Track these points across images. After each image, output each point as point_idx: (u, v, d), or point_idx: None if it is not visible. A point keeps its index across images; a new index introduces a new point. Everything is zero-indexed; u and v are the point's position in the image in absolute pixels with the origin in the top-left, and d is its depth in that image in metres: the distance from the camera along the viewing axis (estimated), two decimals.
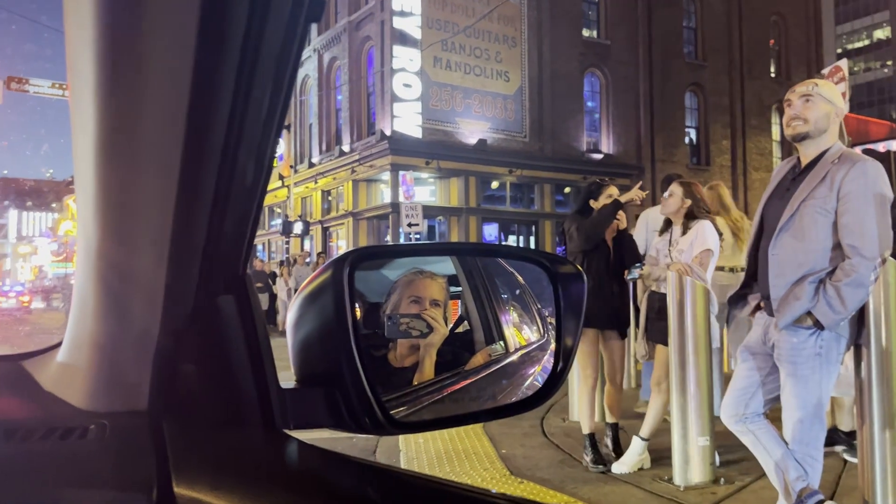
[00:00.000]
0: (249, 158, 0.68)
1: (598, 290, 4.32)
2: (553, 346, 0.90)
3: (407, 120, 23.31)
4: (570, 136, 26.72)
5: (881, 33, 73.27)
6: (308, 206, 27.89)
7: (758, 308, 3.25)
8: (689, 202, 4.30)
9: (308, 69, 27.73)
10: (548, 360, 0.94)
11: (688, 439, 3.92)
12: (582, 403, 4.54)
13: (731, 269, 5.44)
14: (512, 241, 25.72)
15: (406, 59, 23.27)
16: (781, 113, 3.20)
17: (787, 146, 30.23)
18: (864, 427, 3.21)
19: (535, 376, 1.00)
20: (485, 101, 24.90)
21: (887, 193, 2.96)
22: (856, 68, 68.46)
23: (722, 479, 3.96)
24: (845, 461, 4.23)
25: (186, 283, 0.74)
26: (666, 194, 4.41)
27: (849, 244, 2.89)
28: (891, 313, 3.13)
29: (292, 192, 25.28)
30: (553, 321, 0.91)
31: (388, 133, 23.07)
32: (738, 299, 3.36)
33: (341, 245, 25.94)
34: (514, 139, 25.42)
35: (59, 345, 0.91)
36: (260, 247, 28.38)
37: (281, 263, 20.01)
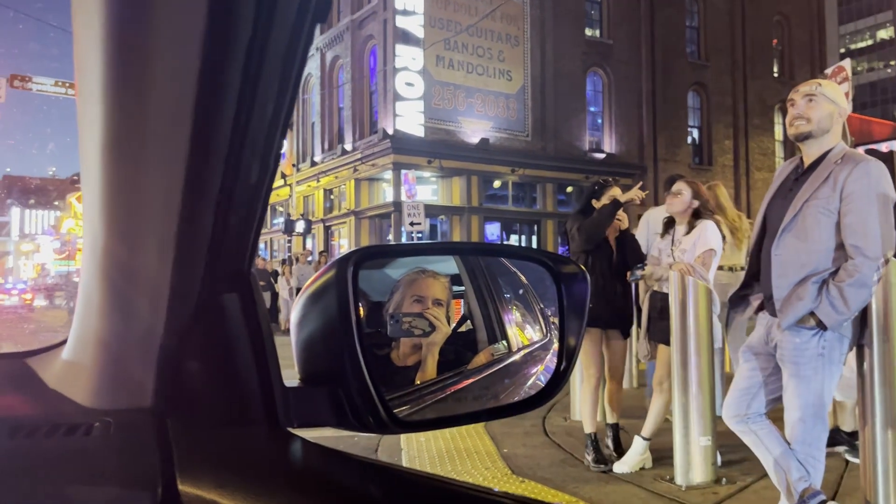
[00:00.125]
0: (255, 158, 0.69)
1: (602, 289, 4.33)
2: (556, 345, 0.91)
3: (409, 119, 23.30)
4: (572, 136, 26.71)
5: (884, 33, 73.13)
6: (310, 204, 27.90)
7: (760, 309, 3.25)
8: (696, 203, 4.32)
9: (310, 68, 27.72)
10: (550, 360, 0.94)
11: (689, 439, 3.91)
12: (584, 403, 4.54)
13: (731, 269, 5.44)
14: (514, 240, 25.71)
15: (409, 58, 23.27)
16: (784, 113, 3.20)
17: (790, 146, 30.20)
18: (866, 427, 3.21)
19: (538, 376, 1.00)
20: (487, 100, 24.89)
21: (890, 193, 2.95)
22: (859, 68, 68.32)
23: (724, 479, 3.96)
24: (847, 461, 4.22)
25: (191, 282, 0.74)
26: (673, 192, 4.39)
27: (852, 244, 2.89)
28: (893, 314, 3.12)
29: (294, 190, 25.29)
30: (556, 321, 0.91)
31: (390, 132, 23.07)
32: (738, 300, 3.35)
33: (343, 244, 25.95)
34: (516, 138, 25.41)
35: (63, 342, 0.91)
36: (262, 245, 28.40)
37: (283, 262, 20.02)
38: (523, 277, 1.13)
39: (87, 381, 0.82)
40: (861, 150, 3.67)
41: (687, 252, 4.23)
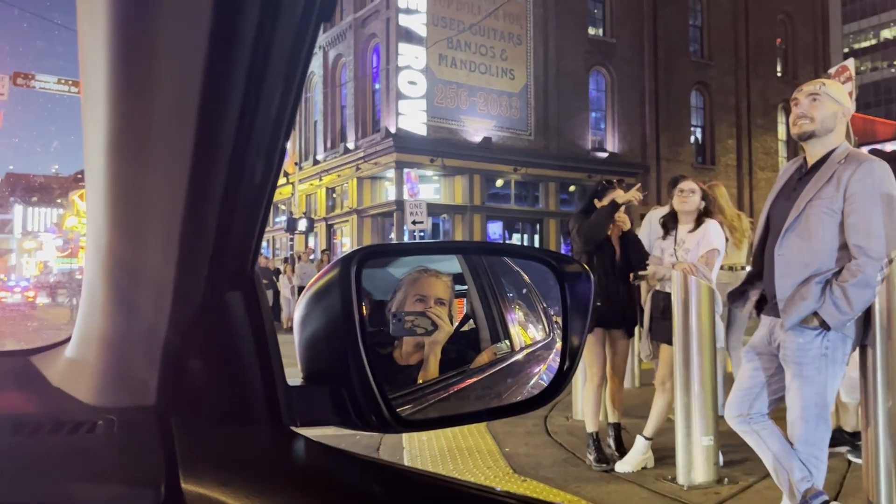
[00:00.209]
0: (259, 157, 0.69)
1: (605, 289, 4.34)
2: (559, 344, 0.91)
3: (412, 117, 23.31)
4: (575, 135, 26.69)
5: (888, 33, 72.97)
6: (312, 203, 27.92)
7: (760, 304, 3.25)
8: (702, 203, 4.35)
9: (313, 66, 27.73)
10: (553, 359, 0.94)
11: (692, 439, 3.91)
12: (587, 402, 4.55)
13: (731, 268, 5.44)
14: (516, 239, 25.71)
15: (411, 57, 23.27)
16: (788, 112, 3.20)
17: (793, 145, 30.15)
18: (868, 428, 3.20)
19: (541, 375, 1.00)
20: (490, 99, 24.88)
21: (893, 193, 2.95)
22: (862, 68, 68.15)
23: (726, 479, 3.96)
24: (850, 462, 4.22)
25: (195, 280, 0.74)
26: (687, 190, 4.37)
27: (855, 244, 2.88)
28: None
29: (297, 189, 25.30)
30: (559, 320, 0.91)
31: (392, 130, 23.08)
32: (738, 296, 3.36)
33: (345, 242, 25.97)
34: (518, 137, 25.40)
35: (67, 340, 0.91)
36: (264, 244, 28.41)
37: (285, 260, 20.04)
38: (526, 277, 1.13)
39: (90, 378, 0.82)
40: (864, 150, 3.66)
41: (691, 251, 4.23)
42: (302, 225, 22.72)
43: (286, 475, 0.68)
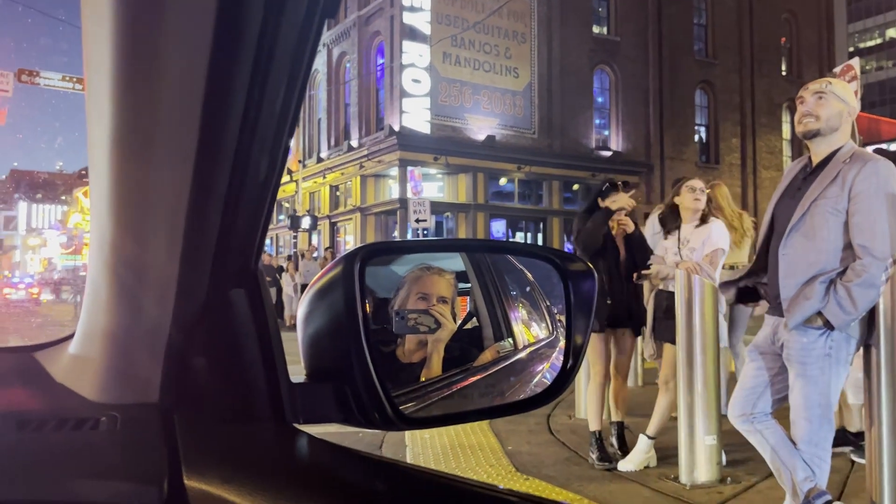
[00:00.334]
0: (263, 154, 0.69)
1: (610, 290, 4.37)
2: (562, 343, 0.90)
3: (415, 115, 23.30)
4: (578, 133, 26.66)
5: (893, 32, 72.67)
6: (316, 200, 27.94)
7: (743, 294, 3.26)
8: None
9: (317, 64, 27.73)
10: (556, 358, 0.93)
11: (695, 438, 3.91)
12: (590, 401, 4.55)
13: (731, 267, 5.44)
14: (519, 237, 25.69)
15: (415, 55, 23.26)
16: (792, 111, 3.20)
17: (798, 145, 30.07)
18: (872, 428, 3.20)
19: (544, 373, 1.00)
20: (493, 97, 24.87)
21: None
22: (868, 67, 67.94)
23: (728, 479, 3.95)
24: (853, 462, 4.21)
25: (198, 277, 0.74)
26: (699, 189, 4.40)
27: (860, 244, 2.87)
28: None
29: (300, 186, 25.33)
30: (562, 318, 0.91)
31: (396, 128, 23.08)
32: (728, 285, 3.38)
33: (349, 240, 25.98)
34: (522, 135, 25.38)
35: (70, 337, 0.91)
36: (268, 241, 28.39)
37: (288, 258, 20.05)
38: (530, 275, 1.13)
39: (94, 375, 0.82)
40: (869, 149, 3.65)
41: (696, 251, 4.23)
42: (305, 223, 22.74)
43: (289, 472, 0.68)
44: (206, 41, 0.58)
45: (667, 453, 4.27)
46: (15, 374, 0.93)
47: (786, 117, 32.01)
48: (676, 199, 4.45)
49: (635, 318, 4.50)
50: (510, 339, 1.16)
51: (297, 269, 16.90)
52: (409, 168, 22.16)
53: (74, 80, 20.45)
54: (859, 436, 4.18)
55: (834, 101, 3.02)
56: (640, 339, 4.67)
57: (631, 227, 4.47)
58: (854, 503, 3.53)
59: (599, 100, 27.92)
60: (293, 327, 0.81)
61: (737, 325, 5.67)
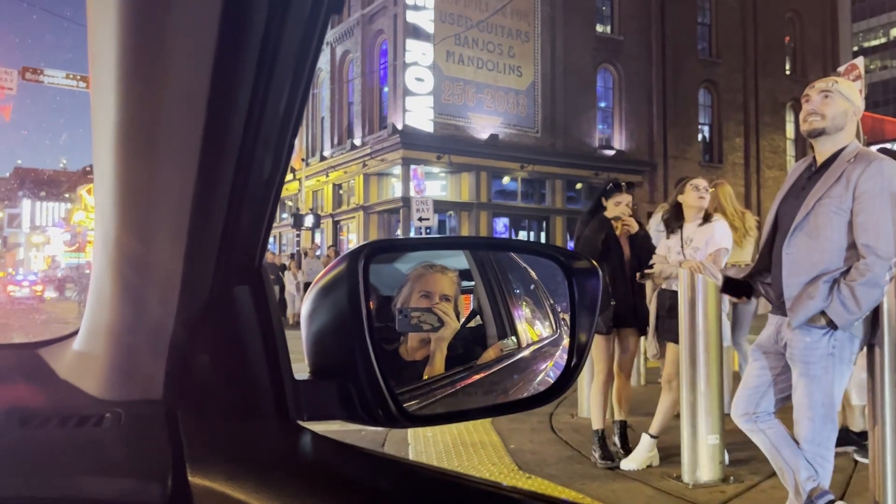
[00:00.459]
0: (267, 152, 0.69)
1: (615, 291, 4.37)
2: (566, 341, 0.90)
3: (419, 114, 23.29)
4: (582, 132, 26.63)
5: None
6: (319, 199, 27.95)
7: (729, 285, 3.26)
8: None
9: (320, 62, 27.68)
10: (560, 356, 0.93)
11: (697, 437, 3.90)
12: (594, 400, 4.55)
13: (733, 266, 5.44)
14: (522, 236, 25.67)
15: (419, 53, 23.25)
16: (796, 111, 3.19)
17: (802, 144, 30.02)
18: (875, 428, 3.19)
19: (547, 372, 1.00)
20: (497, 96, 24.85)
21: None
22: (872, 66, 67.72)
23: (731, 478, 3.95)
24: (856, 461, 4.20)
25: (202, 274, 0.74)
26: (703, 188, 4.40)
27: (864, 243, 2.87)
28: None
29: (304, 185, 25.33)
30: (566, 317, 0.91)
31: (399, 127, 23.07)
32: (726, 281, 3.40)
33: (352, 238, 25.98)
34: (525, 134, 25.36)
35: (74, 333, 0.91)
36: (271, 240, 28.37)
37: (291, 257, 20.07)
38: (533, 273, 1.13)
39: (98, 372, 0.82)
40: (874, 149, 3.64)
41: (700, 250, 4.23)
42: (309, 221, 22.74)
43: (293, 469, 0.69)
44: (210, 39, 0.58)
45: (669, 452, 4.27)
46: (19, 371, 0.93)
47: (789, 117, 31.93)
48: (680, 198, 4.45)
49: (640, 317, 4.50)
50: (514, 338, 1.16)
51: (299, 267, 16.92)
52: (413, 166, 22.15)
53: (78, 77, 20.46)
54: (863, 435, 4.17)
55: (839, 100, 3.01)
56: (643, 338, 4.67)
57: (635, 228, 4.47)
58: (857, 503, 3.53)
59: (602, 99, 27.88)
60: (296, 325, 0.81)
61: (740, 323, 5.67)
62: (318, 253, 19.10)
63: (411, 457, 4.60)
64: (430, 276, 0.92)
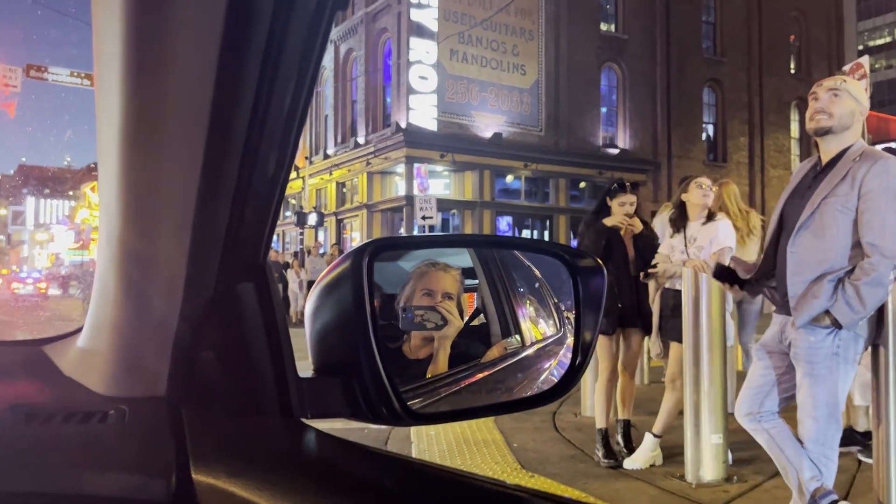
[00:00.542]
0: (272, 150, 0.69)
1: (620, 290, 4.37)
2: (570, 340, 0.90)
3: (422, 112, 23.28)
4: (585, 131, 26.60)
5: None
6: (322, 197, 27.97)
7: (720, 272, 3.24)
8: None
9: (324, 60, 27.63)
10: (564, 355, 0.93)
11: (701, 436, 3.90)
12: (598, 398, 4.55)
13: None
14: (526, 235, 25.66)
15: (422, 52, 23.23)
16: (801, 110, 3.18)
17: (806, 143, 29.93)
18: (879, 427, 3.18)
19: (551, 370, 0.99)
20: (501, 95, 24.83)
21: None
22: (877, 65, 67.48)
23: (735, 478, 3.94)
24: (860, 462, 4.19)
25: (207, 272, 0.75)
26: (706, 186, 4.41)
27: (869, 242, 2.86)
28: None
29: (307, 183, 25.35)
30: (570, 316, 0.91)
31: (403, 125, 23.07)
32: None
33: (355, 237, 26.00)
34: (529, 133, 25.34)
35: (79, 330, 0.91)
36: (274, 238, 28.35)
37: (294, 255, 20.09)
38: (537, 271, 1.13)
39: (102, 368, 0.82)
40: (879, 148, 3.63)
41: (703, 249, 4.22)
42: (312, 219, 22.76)
43: (297, 466, 0.68)
44: (215, 36, 0.58)
45: (673, 452, 4.26)
46: (24, 368, 0.93)
47: (794, 116, 31.84)
48: (684, 196, 4.45)
49: (644, 317, 4.50)
50: (518, 336, 1.16)
51: (302, 265, 16.94)
52: (416, 165, 22.15)
53: (83, 75, 20.52)
54: (867, 435, 4.16)
55: (848, 100, 3.00)
56: (646, 337, 4.67)
57: (639, 227, 4.47)
58: (861, 503, 3.52)
59: (606, 98, 27.83)
60: (299, 323, 0.81)
61: (746, 323, 5.65)
62: (321, 251, 19.11)
63: (414, 455, 4.60)
64: (432, 274, 0.92)
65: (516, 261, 1.17)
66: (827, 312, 2.90)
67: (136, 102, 0.64)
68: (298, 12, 0.60)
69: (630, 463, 4.25)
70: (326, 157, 27.50)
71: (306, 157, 26.27)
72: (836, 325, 2.90)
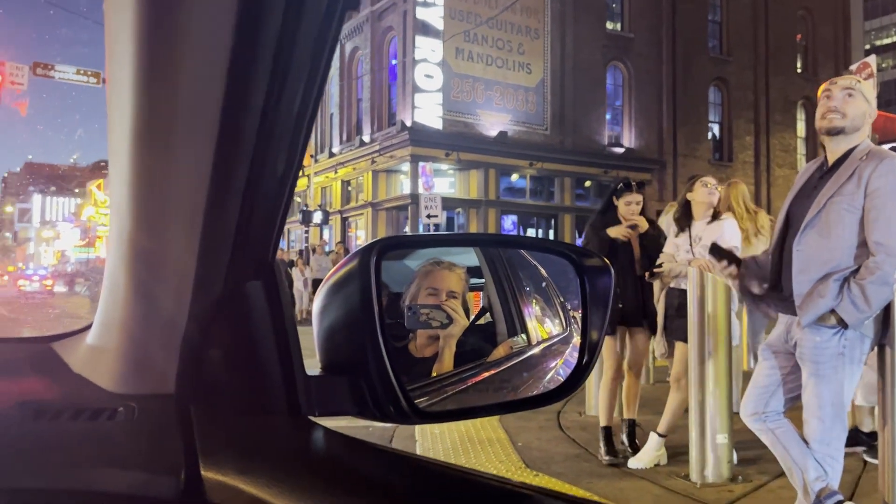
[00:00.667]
0: (281, 149, 0.69)
1: (625, 290, 4.37)
2: (576, 339, 0.90)
3: (428, 111, 23.28)
4: (591, 130, 26.56)
5: None
6: (328, 195, 27.99)
7: (715, 249, 3.24)
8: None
9: None
10: (570, 354, 0.93)
11: (706, 436, 3.89)
12: (603, 397, 4.54)
13: None
14: (531, 234, 25.63)
15: (428, 50, 23.22)
16: (807, 109, 3.17)
17: (812, 143, 29.83)
18: (885, 428, 3.17)
19: (557, 370, 1.00)
20: (506, 93, 24.80)
21: None
22: (884, 65, 67.06)
23: (740, 478, 3.94)
24: (865, 462, 4.18)
25: (216, 270, 0.75)
26: (711, 184, 4.41)
27: (875, 240, 2.85)
28: None
29: (312, 181, 25.38)
30: (577, 315, 0.91)
31: (408, 124, 23.07)
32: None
33: (360, 235, 26.02)
34: (534, 132, 25.31)
35: (88, 327, 0.92)
36: None
37: (299, 253, 20.11)
38: (544, 271, 1.13)
39: (111, 366, 0.83)
40: (885, 147, 3.61)
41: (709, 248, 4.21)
42: (317, 217, 22.78)
43: (305, 464, 0.69)
44: (226, 36, 0.58)
45: (678, 451, 4.26)
46: (33, 365, 0.94)
47: (800, 115, 31.72)
48: (689, 195, 4.44)
49: (649, 316, 4.49)
50: (524, 335, 1.16)
51: (307, 263, 16.95)
52: (421, 163, 22.15)
53: (89, 73, 20.54)
54: (872, 436, 4.15)
55: (861, 101, 2.99)
56: (651, 337, 4.66)
57: (644, 226, 4.46)
58: (866, 503, 3.51)
59: (612, 96, 27.78)
60: (303, 322, 0.81)
61: (756, 327, 5.62)
62: (326, 249, 19.12)
63: (419, 453, 4.60)
64: (437, 272, 0.92)
65: (522, 260, 1.17)
66: (832, 312, 2.89)
67: (148, 102, 0.65)
68: (309, 12, 0.60)
69: (635, 462, 4.25)
70: (332, 155, 27.52)
71: (311, 156, 26.28)
72: (842, 325, 2.89)
